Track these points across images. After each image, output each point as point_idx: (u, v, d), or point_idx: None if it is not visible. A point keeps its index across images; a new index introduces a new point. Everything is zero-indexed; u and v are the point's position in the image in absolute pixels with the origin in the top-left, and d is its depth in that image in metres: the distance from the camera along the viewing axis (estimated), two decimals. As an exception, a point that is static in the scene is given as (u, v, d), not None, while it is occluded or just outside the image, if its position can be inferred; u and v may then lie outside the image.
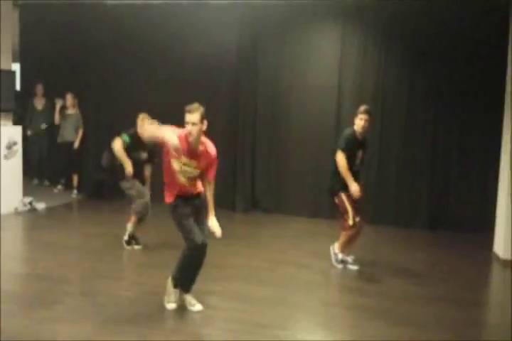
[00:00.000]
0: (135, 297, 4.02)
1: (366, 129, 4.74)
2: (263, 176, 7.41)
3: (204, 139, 3.63)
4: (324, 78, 6.97)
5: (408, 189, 6.77)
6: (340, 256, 4.90)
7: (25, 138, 7.85)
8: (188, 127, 3.47)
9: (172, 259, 4.77)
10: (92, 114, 8.01)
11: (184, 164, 3.57)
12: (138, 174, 5.26)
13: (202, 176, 3.74)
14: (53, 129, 8.04)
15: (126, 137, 5.13)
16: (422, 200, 6.72)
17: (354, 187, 4.61)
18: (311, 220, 6.92)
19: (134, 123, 5.25)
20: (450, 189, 6.69)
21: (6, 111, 7.29)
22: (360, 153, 4.78)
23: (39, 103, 8.17)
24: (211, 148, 3.64)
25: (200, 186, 3.79)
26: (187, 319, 3.66)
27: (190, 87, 7.18)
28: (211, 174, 3.71)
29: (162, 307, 3.80)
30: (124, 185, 5.25)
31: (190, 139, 3.50)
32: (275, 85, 7.26)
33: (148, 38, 7.55)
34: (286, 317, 3.77)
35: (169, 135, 3.37)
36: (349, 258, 4.93)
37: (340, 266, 4.89)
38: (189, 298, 3.78)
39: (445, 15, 6.41)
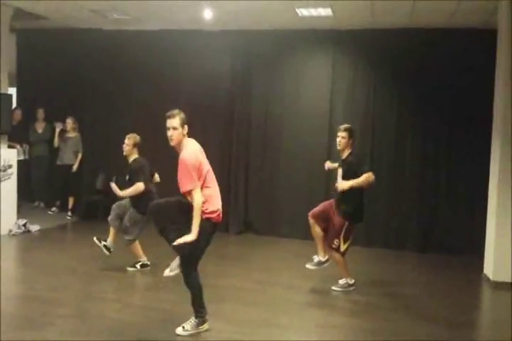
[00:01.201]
0: (127, 319, 4.03)
1: (344, 146, 4.81)
2: (256, 198, 7.48)
3: (186, 142, 3.60)
4: (316, 101, 7.14)
5: (398, 212, 6.87)
6: (351, 281, 4.93)
7: (27, 161, 7.99)
8: (169, 133, 3.53)
9: (164, 281, 4.78)
10: (87, 137, 8.10)
11: None
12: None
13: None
14: (53, 152, 8.14)
15: None
16: (412, 223, 6.81)
17: None
18: (303, 242, 6.94)
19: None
20: (440, 212, 6.77)
21: (2, 133, 7.38)
22: (340, 170, 4.84)
23: (40, 127, 8.27)
24: (183, 152, 3.54)
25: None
26: (178, 339, 3.66)
27: (184, 112, 7.29)
28: (181, 185, 3.53)
29: (154, 330, 3.81)
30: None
31: (172, 144, 3.56)
32: (268, 110, 7.41)
33: (143, 64, 7.72)
34: (278, 339, 3.78)
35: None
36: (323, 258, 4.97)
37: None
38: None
39: (434, 40, 6.60)
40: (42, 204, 8.43)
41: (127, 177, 5.35)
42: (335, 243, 4.75)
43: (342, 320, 4.22)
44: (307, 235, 7.03)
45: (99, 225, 7.36)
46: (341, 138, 4.80)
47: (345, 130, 4.81)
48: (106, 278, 5.16)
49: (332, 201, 4.94)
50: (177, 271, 3.69)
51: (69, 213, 7.95)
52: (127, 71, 7.83)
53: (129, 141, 5.33)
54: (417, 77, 6.74)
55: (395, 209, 6.87)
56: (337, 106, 7.07)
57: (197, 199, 3.49)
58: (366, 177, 4.59)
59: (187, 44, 7.52)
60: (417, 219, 6.79)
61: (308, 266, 5.01)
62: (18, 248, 6.51)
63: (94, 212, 7.79)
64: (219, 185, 7.69)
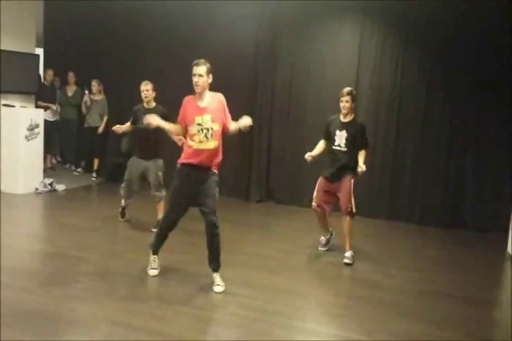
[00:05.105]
0: (148, 278, 4.12)
1: (350, 110, 4.81)
2: (278, 167, 7.44)
3: (210, 92, 3.84)
4: (342, 71, 6.92)
5: (423, 187, 6.74)
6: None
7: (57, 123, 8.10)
8: (195, 79, 3.73)
9: (184, 244, 4.85)
10: (112, 100, 8.10)
11: (199, 124, 3.75)
12: (143, 147, 5.34)
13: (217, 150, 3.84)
14: (82, 116, 8.22)
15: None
16: (436, 198, 6.69)
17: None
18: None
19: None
20: (465, 188, 6.62)
21: (29, 93, 7.44)
22: (343, 133, 4.82)
23: (70, 90, 8.29)
24: (217, 96, 3.85)
25: (214, 163, 3.87)
26: (198, 303, 3.74)
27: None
28: (227, 122, 3.85)
29: (174, 290, 3.89)
30: (130, 161, 5.49)
31: (197, 91, 3.75)
32: (293, 79, 7.25)
33: (169, 29, 7.65)
34: (296, 307, 3.82)
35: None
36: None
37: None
38: (215, 278, 3.96)
39: (465, 13, 6.28)
40: (73, 167, 8.56)
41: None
42: (349, 206, 4.79)
43: (362, 292, 4.22)
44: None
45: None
46: (345, 102, 4.77)
47: (349, 94, 4.77)
48: (127, 237, 5.27)
49: (321, 179, 4.99)
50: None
51: (94, 174, 8.06)
52: (152, 36, 7.76)
53: (148, 86, 5.28)
54: (448, 49, 6.46)
55: (419, 184, 6.76)
56: (364, 76, 6.86)
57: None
58: (367, 153, 4.86)
59: (212, 12, 7.37)
60: (442, 195, 6.67)
61: (321, 248, 5.22)
62: (43, 206, 6.66)
63: (118, 174, 7.86)
64: (241, 153, 7.77)
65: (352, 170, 4.82)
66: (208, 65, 3.77)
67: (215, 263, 3.98)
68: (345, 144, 4.81)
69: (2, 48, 6.71)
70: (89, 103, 8.00)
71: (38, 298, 3.59)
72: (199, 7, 7.41)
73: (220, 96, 3.87)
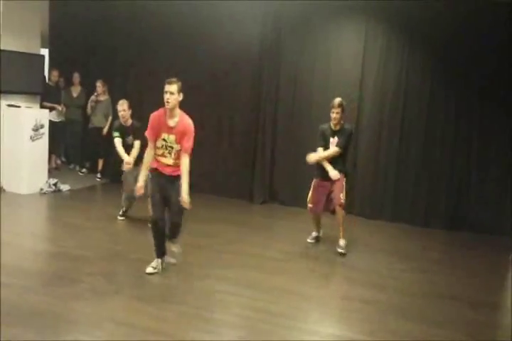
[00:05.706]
0: (152, 278, 4.12)
1: (340, 120, 5.17)
2: (281, 169, 7.43)
3: (181, 112, 4.04)
4: (346, 73, 6.92)
5: (426, 188, 6.71)
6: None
7: (62, 124, 8.14)
8: (166, 96, 3.93)
9: (186, 245, 4.86)
10: (117, 100, 8.06)
11: (164, 139, 4.00)
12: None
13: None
14: (87, 117, 8.24)
15: (115, 133, 5.71)
16: (440, 200, 6.67)
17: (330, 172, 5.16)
18: (326, 214, 6.92)
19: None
20: (469, 190, 6.60)
21: (34, 94, 7.47)
22: (335, 139, 5.21)
23: (75, 91, 8.31)
24: (186, 120, 4.02)
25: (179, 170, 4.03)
26: (201, 303, 3.74)
27: (214, 78, 7.25)
28: (185, 144, 3.96)
29: (177, 290, 3.90)
30: (123, 175, 5.81)
31: (168, 107, 3.94)
32: (297, 80, 7.24)
33: (174, 29, 7.64)
34: (299, 308, 3.83)
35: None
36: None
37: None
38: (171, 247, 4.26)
39: (468, 13, 6.27)
40: (77, 167, 8.60)
41: (130, 137, 5.69)
42: (342, 198, 5.12)
43: (364, 293, 4.22)
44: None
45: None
46: (336, 113, 5.12)
47: (340, 106, 5.11)
48: (131, 237, 5.28)
49: (316, 181, 5.33)
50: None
51: (98, 175, 8.08)
52: (157, 36, 7.75)
53: (124, 105, 5.69)
54: (451, 48, 6.45)
55: (423, 185, 6.74)
56: (368, 76, 6.84)
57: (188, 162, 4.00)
58: (333, 152, 5.16)
59: (217, 11, 7.36)
60: (446, 197, 6.65)
61: (309, 240, 5.58)
62: (48, 206, 6.68)
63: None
64: (245, 154, 7.75)
65: (342, 171, 5.24)
66: (179, 83, 3.98)
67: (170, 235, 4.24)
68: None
69: (8, 49, 6.73)
70: (93, 103, 8.03)
71: (41, 297, 3.60)
72: (205, 6, 7.40)
73: (188, 121, 4.02)
